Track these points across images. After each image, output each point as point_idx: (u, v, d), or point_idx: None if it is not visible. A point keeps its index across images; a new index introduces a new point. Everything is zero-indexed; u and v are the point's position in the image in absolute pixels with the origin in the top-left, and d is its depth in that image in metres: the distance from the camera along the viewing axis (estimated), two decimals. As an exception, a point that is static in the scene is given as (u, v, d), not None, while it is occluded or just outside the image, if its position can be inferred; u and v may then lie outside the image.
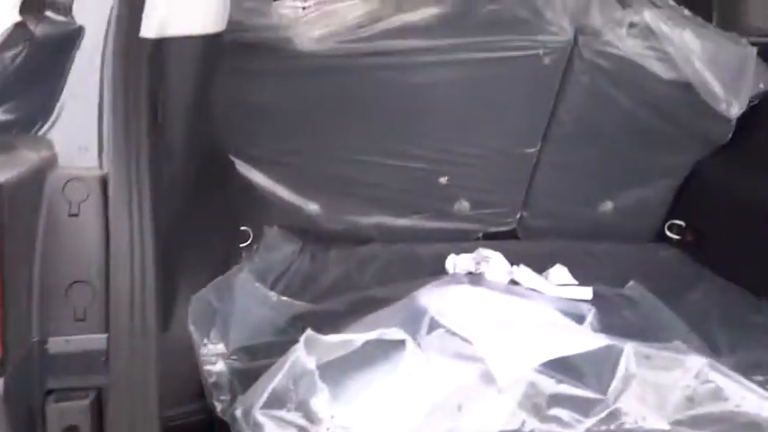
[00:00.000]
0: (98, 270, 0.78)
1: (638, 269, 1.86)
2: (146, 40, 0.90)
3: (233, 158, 1.78)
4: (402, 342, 1.06)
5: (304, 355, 1.02)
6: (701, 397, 1.14)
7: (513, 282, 1.67)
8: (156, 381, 0.83)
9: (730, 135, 1.94)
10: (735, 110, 1.74)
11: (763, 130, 1.90)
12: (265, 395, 0.97)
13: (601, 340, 1.21)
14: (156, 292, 0.84)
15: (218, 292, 1.24)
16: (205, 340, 1.12)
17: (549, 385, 1.12)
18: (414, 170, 1.90)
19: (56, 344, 0.78)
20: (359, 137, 1.83)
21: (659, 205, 2.08)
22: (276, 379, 0.99)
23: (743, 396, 1.12)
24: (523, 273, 1.66)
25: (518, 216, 2.07)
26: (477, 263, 1.76)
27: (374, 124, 1.81)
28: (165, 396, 1.12)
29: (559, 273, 1.75)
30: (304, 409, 0.96)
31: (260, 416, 0.93)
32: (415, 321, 1.12)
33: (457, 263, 1.77)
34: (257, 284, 1.50)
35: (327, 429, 0.95)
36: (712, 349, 1.43)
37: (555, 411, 1.09)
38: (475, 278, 1.60)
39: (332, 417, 0.97)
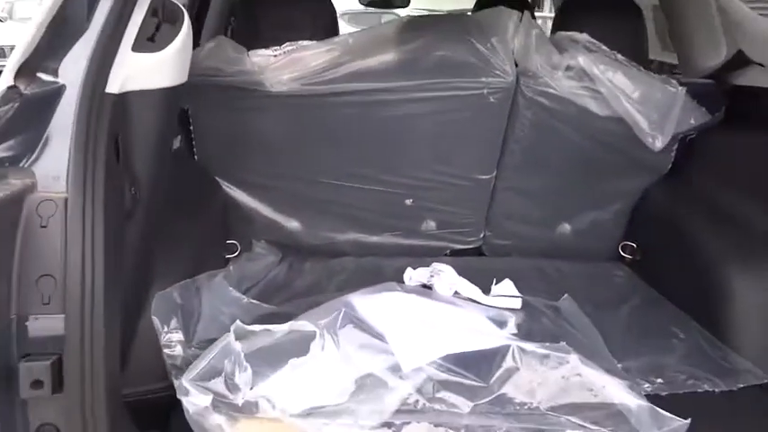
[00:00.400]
0: (60, 267, 1.07)
1: (586, 285, 2.07)
2: (110, 94, 1.20)
3: (221, 180, 2.08)
4: (314, 332, 1.31)
5: (233, 341, 1.28)
6: (571, 388, 1.34)
7: (456, 293, 1.89)
8: (103, 349, 1.10)
9: (670, 165, 2.12)
10: (659, 143, 1.93)
11: (698, 161, 2.08)
12: (196, 370, 1.23)
13: (496, 341, 1.43)
14: (105, 285, 1.12)
15: (185, 291, 1.51)
16: (165, 328, 1.39)
17: (441, 374, 1.34)
18: (381, 193, 2.16)
19: (29, 320, 1.07)
20: (331, 163, 2.10)
21: (613, 227, 2.27)
22: (208, 358, 1.26)
23: (604, 386, 1.32)
24: (463, 285, 1.88)
25: (482, 235, 2.29)
26: (431, 275, 1.99)
27: (344, 152, 2.09)
28: (137, 375, 1.41)
29: (504, 286, 1.96)
30: (229, 381, 1.22)
31: (187, 384, 1.19)
32: (335, 317, 1.36)
33: (413, 275, 1.99)
34: (230, 288, 1.77)
35: (242, 397, 1.20)
36: (619, 353, 1.63)
37: (442, 394, 1.31)
38: (417, 288, 1.83)
39: (250, 388, 1.22)
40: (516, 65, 1.98)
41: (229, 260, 2.07)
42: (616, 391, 1.31)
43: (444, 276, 1.96)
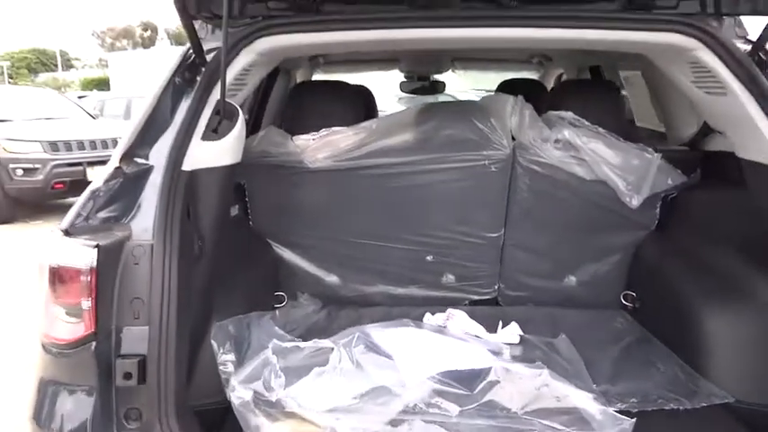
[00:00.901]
0: (147, 292, 1.50)
1: (588, 330, 2.35)
2: (185, 171, 1.66)
3: (271, 242, 2.53)
4: (332, 349, 1.68)
5: (270, 354, 1.66)
6: (541, 396, 1.64)
7: (466, 333, 2.22)
8: (174, 353, 1.50)
9: (656, 221, 2.42)
10: (635, 202, 2.25)
11: (679, 217, 2.37)
12: (242, 374, 1.62)
13: (485, 362, 1.75)
14: (178, 308, 1.53)
15: (238, 325, 1.91)
16: (221, 350, 1.78)
17: (436, 385, 1.67)
18: (406, 251, 2.54)
19: (124, 330, 1.50)
20: (362, 226, 2.51)
21: (614, 278, 2.55)
22: (251, 366, 1.64)
23: (567, 395, 1.61)
24: (472, 325, 2.21)
25: (497, 287, 2.62)
26: (447, 319, 2.33)
27: (372, 217, 2.50)
28: (199, 389, 1.80)
29: (510, 328, 2.27)
30: (266, 384, 1.60)
31: (234, 382, 1.57)
32: (350, 338, 1.73)
33: (431, 319, 2.34)
34: (275, 327, 2.16)
35: (276, 396, 1.57)
36: (601, 380, 1.91)
37: (436, 401, 1.64)
38: (430, 326, 2.17)
39: (283, 389, 1.59)
40: (514, 139, 2.37)
41: (277, 309, 2.47)
42: (577, 399, 1.60)
43: (457, 320, 2.29)
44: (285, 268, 2.58)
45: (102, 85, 30.55)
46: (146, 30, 48.29)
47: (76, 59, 52.28)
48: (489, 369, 1.70)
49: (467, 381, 1.69)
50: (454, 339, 2.00)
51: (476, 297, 2.62)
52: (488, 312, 2.45)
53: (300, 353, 1.72)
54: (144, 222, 1.56)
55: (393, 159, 2.39)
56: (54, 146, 7.63)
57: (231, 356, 1.81)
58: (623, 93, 3.32)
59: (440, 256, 2.55)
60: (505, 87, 3.39)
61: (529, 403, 1.64)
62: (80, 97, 14.54)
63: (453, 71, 4.53)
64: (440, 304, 2.56)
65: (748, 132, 1.79)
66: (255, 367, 1.64)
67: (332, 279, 2.61)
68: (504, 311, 2.59)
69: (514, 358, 1.97)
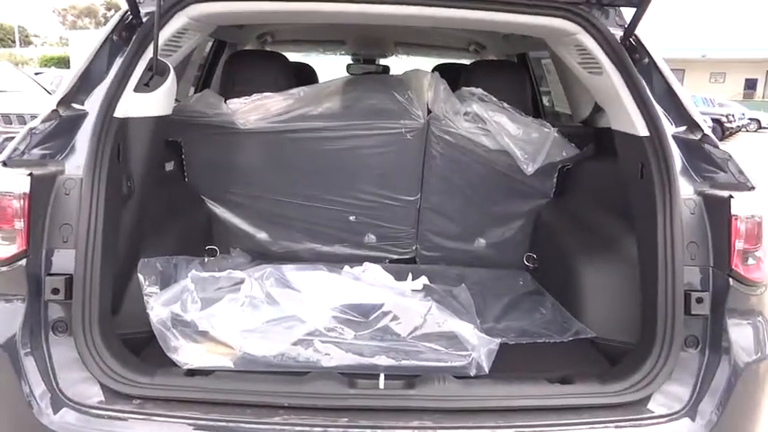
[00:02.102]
0: (75, 219, 1.69)
1: (492, 285, 2.62)
2: (116, 117, 1.86)
3: (205, 198, 2.73)
4: (243, 279, 1.90)
5: (189, 282, 1.88)
6: (426, 323, 1.89)
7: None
8: (99, 275, 1.71)
9: (553, 189, 2.71)
10: (530, 169, 2.54)
11: (572, 186, 2.67)
12: (162, 296, 1.83)
13: (383, 297, 2.00)
14: (104, 236, 1.73)
15: (165, 264, 2.12)
16: (147, 283, 1.99)
17: (337, 314, 1.91)
18: (331, 211, 2.78)
19: (54, 252, 1.70)
20: (291, 186, 2.74)
21: (518, 241, 2.84)
22: (171, 291, 1.86)
23: (445, 320, 1.87)
24: (384, 276, 2.45)
25: (414, 247, 2.88)
26: (363, 271, 2.56)
27: (300, 178, 2.72)
28: (130, 319, 1.99)
29: (419, 279, 2.52)
30: (183, 306, 1.82)
31: (153, 302, 1.79)
32: (262, 272, 1.95)
33: (349, 271, 2.57)
34: (203, 270, 2.37)
35: (191, 317, 1.79)
36: (490, 320, 2.18)
37: (335, 326, 1.88)
38: (344, 273, 2.40)
39: (198, 312, 1.81)
40: (429, 111, 2.63)
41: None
42: (455, 325, 1.86)
43: (372, 271, 2.54)
44: (218, 224, 2.79)
45: (62, 63, 29.91)
46: (109, 9, 47.35)
47: (35, 36, 50.91)
48: (383, 303, 1.94)
49: (364, 312, 1.93)
50: (362, 284, 2.24)
51: (395, 256, 2.87)
52: (405, 269, 2.70)
53: (216, 283, 1.94)
54: (76, 160, 1.76)
55: (319, 124, 2.61)
56: (7, 118, 7.62)
57: (156, 289, 2.01)
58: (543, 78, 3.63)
59: (362, 216, 2.80)
60: (440, 70, 3.65)
61: (415, 330, 1.89)
62: (36, 74, 14.33)
63: (396, 55, 4.78)
64: (362, 262, 2.80)
65: (617, 106, 2.08)
66: (175, 292, 1.86)
67: (262, 236, 2.83)
68: (419, 269, 2.84)
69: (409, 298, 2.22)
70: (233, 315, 1.86)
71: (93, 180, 1.72)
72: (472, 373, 1.79)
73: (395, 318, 1.93)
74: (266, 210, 2.78)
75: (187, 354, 1.78)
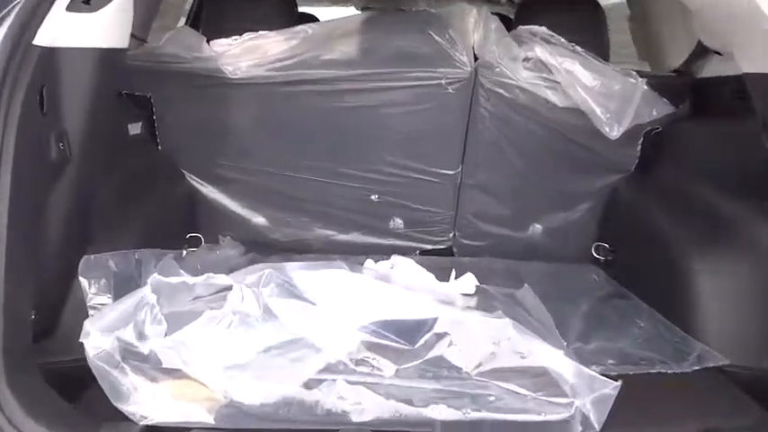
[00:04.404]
0: None
1: (555, 284, 2.01)
2: (36, 46, 1.22)
3: (186, 172, 2.10)
4: (230, 286, 1.28)
5: (149, 292, 1.26)
6: (501, 352, 1.28)
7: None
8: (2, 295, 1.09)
9: (636, 162, 2.08)
10: (615, 132, 1.90)
11: (665, 156, 2.04)
12: (105, 316, 1.21)
13: (430, 310, 1.38)
14: (10, 232, 1.11)
15: (122, 261, 1.50)
16: (94, 290, 1.37)
17: (367, 337, 1.30)
18: (347, 188, 2.16)
19: None
20: (295, 156, 2.11)
21: (585, 228, 2.22)
22: (119, 308, 1.23)
23: (531, 350, 1.26)
24: (421, 274, 1.84)
25: (452, 235, 2.26)
26: (391, 267, 1.95)
27: (307, 145, 2.10)
28: (67, 341, 1.39)
29: (466, 278, 1.91)
30: (138, 330, 1.19)
31: (90, 327, 1.16)
32: (259, 276, 1.33)
33: (372, 266, 1.96)
34: (180, 270, 1.74)
35: (149, 347, 1.17)
36: (573, 339, 1.57)
37: (364, 354, 1.27)
38: (370, 272, 1.79)
39: (162, 338, 1.19)
40: (476, 57, 1.99)
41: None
42: (546, 356, 1.25)
43: (404, 268, 1.92)
44: (203, 205, 2.17)
45: None
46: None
47: None
48: (436, 319, 1.33)
49: (407, 333, 1.32)
50: (396, 288, 1.62)
51: (427, 246, 2.26)
52: (441, 263, 2.09)
53: (189, 292, 1.32)
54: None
55: (331, 72, 1.99)
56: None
57: (107, 298, 1.40)
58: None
59: (387, 195, 2.18)
60: None
61: (485, 361, 1.28)
62: None
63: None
64: (386, 253, 2.18)
65: (759, 37, 1.45)
66: (125, 308, 1.24)
67: (259, 220, 2.21)
68: (459, 263, 2.23)
69: (469, 309, 1.61)
70: (214, 342, 1.24)
71: None
72: (577, 431, 1.18)
73: (453, 342, 1.32)
74: (264, 187, 2.16)
75: (145, 402, 1.16)
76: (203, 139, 2.08)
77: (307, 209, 2.19)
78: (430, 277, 1.83)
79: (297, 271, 1.46)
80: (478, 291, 1.79)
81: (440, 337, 1.31)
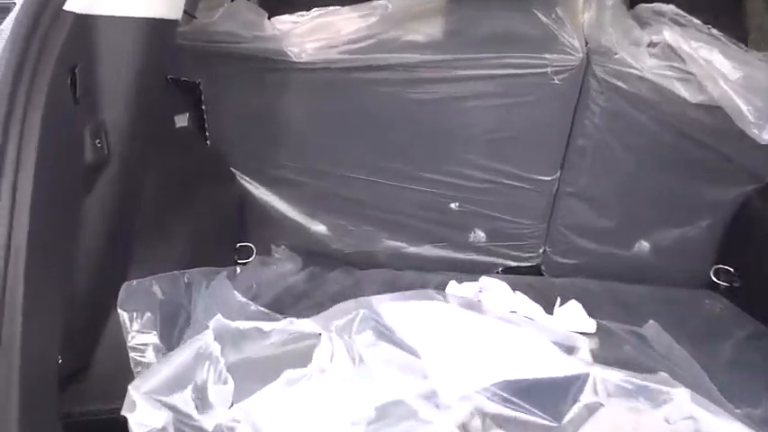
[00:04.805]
0: None
1: (671, 314, 1.66)
2: (69, 12, 0.92)
3: (236, 171, 1.80)
4: (319, 335, 0.97)
5: (211, 340, 0.95)
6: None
7: (511, 312, 1.53)
8: (20, 341, 0.79)
9: None
10: (766, 134, 1.55)
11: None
12: (154, 377, 0.90)
13: (570, 367, 1.06)
14: (36, 260, 0.81)
15: (170, 286, 1.20)
16: (135, 326, 1.07)
17: (494, 406, 0.98)
18: (422, 193, 1.84)
19: None
20: (364, 155, 1.80)
21: (704, 247, 1.87)
22: (173, 363, 0.93)
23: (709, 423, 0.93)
24: (520, 302, 1.52)
25: (542, 251, 1.93)
26: (480, 290, 1.63)
27: (379, 142, 1.78)
28: (103, 387, 1.10)
29: (571, 308, 1.58)
30: (198, 396, 0.89)
31: (137, 395, 0.86)
32: (350, 319, 1.02)
33: (457, 290, 1.65)
34: (234, 291, 1.45)
35: (215, 420, 0.86)
36: (729, 397, 1.22)
37: (492, 433, 0.95)
38: (461, 300, 1.47)
39: (228, 407, 0.89)
40: (587, 42, 1.65)
41: (241, 265, 1.77)
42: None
43: (496, 292, 1.60)
44: (255, 210, 1.87)
45: None
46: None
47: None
48: (584, 379, 1.00)
49: (545, 400, 0.99)
50: (505, 325, 1.30)
51: (511, 263, 1.94)
52: (529, 284, 1.77)
53: (263, 339, 1.00)
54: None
55: (412, 57, 1.66)
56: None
57: (152, 336, 1.10)
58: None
59: (468, 203, 1.85)
60: None
61: (653, 445, 0.95)
62: None
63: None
64: (464, 270, 1.88)
65: None
66: (181, 363, 0.93)
67: (319, 228, 1.90)
68: (549, 283, 1.91)
69: (594, 357, 1.28)
70: (296, 410, 0.93)
71: (5, 138, 0.80)
72: None
73: (608, 416, 0.99)
74: (326, 190, 1.85)
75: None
76: (258, 134, 1.78)
77: (373, 216, 1.88)
78: (535, 308, 1.51)
79: (387, 305, 1.14)
80: (597, 329, 1.46)
81: (592, 409, 0.98)
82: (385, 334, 1.03)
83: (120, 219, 1.13)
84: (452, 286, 1.66)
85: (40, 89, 0.85)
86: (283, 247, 1.90)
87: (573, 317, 1.50)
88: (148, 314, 1.10)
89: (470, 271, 1.87)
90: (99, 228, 1.06)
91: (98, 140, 1.01)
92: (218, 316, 1.00)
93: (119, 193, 1.10)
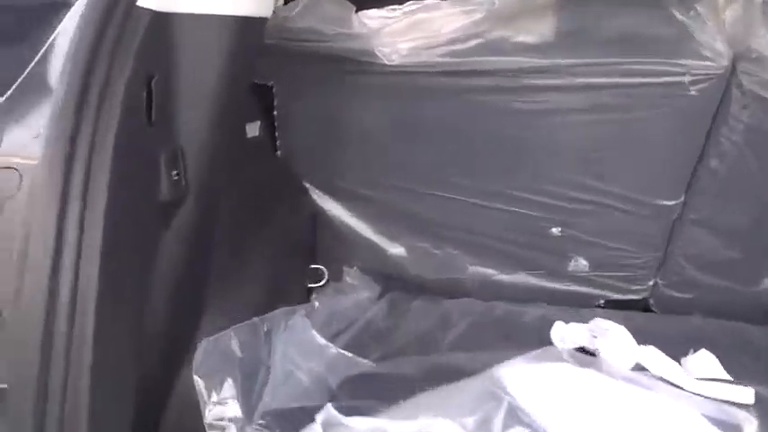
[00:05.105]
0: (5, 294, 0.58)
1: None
2: (144, 9, 0.71)
3: (307, 184, 1.60)
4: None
5: (317, 436, 0.75)
6: None
7: (638, 367, 1.30)
8: (85, 396, 0.60)
9: None
10: None
11: None
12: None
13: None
14: (105, 322, 0.62)
15: (249, 336, 1.01)
16: (214, 396, 0.88)
17: None
18: (519, 216, 1.61)
19: None
20: (453, 172, 1.58)
21: None
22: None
23: None
24: (653, 357, 1.28)
25: (651, 283, 1.69)
26: (593, 336, 1.40)
27: (472, 158, 1.56)
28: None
29: (704, 362, 1.35)
30: None
31: None
32: (489, 410, 0.80)
33: (566, 334, 1.42)
34: (313, 332, 1.27)
35: None
36: None
37: None
38: (584, 357, 1.25)
39: None
40: (731, 45, 1.39)
41: (312, 290, 1.59)
42: None
43: (615, 339, 1.37)
44: (328, 228, 1.66)
45: None
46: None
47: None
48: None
49: None
50: (640, 391, 1.07)
51: (615, 295, 1.70)
52: (635, 323, 1.53)
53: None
54: (39, 116, 0.64)
55: (523, 60, 1.41)
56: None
57: (231, 407, 0.91)
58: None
59: (571, 228, 1.61)
60: None
61: None
62: None
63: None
64: (560, 302, 1.66)
65: None
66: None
67: (397, 250, 1.69)
68: (659, 322, 1.67)
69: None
70: None
71: (67, 175, 0.60)
72: None
73: None
74: (406, 208, 1.63)
75: None
76: (335, 143, 1.57)
77: (459, 239, 1.66)
78: (668, 364, 1.27)
79: (518, 381, 0.92)
80: (756, 398, 1.22)
81: None
82: (529, 425, 0.80)
83: (195, 256, 0.93)
84: (558, 328, 1.44)
85: (111, 107, 0.65)
86: (356, 268, 1.70)
87: (716, 378, 1.25)
88: (228, 381, 0.90)
89: (568, 303, 1.67)
90: (172, 271, 0.86)
91: (175, 172, 0.80)
92: (329, 408, 0.80)
93: (195, 228, 0.90)
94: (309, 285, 1.63)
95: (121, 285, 0.71)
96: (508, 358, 1.14)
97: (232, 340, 0.97)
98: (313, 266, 1.65)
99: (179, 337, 0.91)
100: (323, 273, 1.65)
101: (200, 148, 0.84)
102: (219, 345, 0.94)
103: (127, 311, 0.72)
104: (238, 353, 0.96)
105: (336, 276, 1.69)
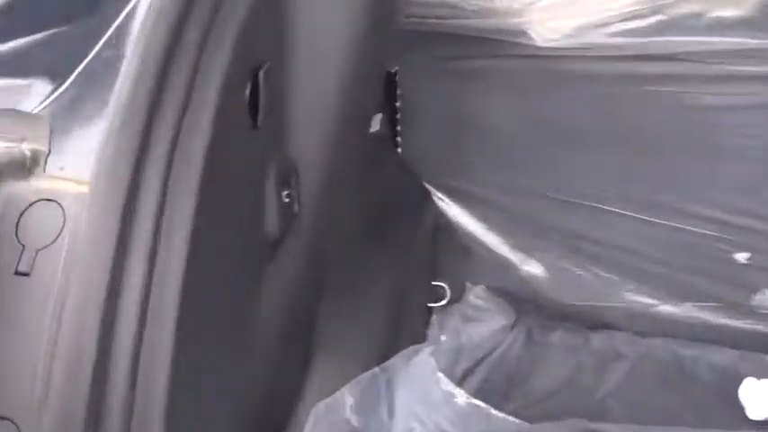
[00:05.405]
0: (44, 356, 0.40)
1: None
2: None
3: (429, 187, 1.39)
4: None
5: None
6: None
7: None
8: None
9: None
10: None
11: None
12: None
13: None
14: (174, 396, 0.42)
15: (367, 392, 0.80)
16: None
17: None
18: (691, 236, 1.32)
19: None
20: (608, 180, 1.33)
21: None
22: None
23: None
24: None
25: None
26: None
27: (634, 164, 1.29)
28: None
29: None
30: None
31: None
32: None
33: (759, 393, 1.12)
34: (439, 374, 1.06)
35: None
36: None
37: None
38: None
39: None
40: None
41: (432, 311, 1.38)
42: None
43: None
44: (451, 239, 1.44)
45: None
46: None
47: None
48: None
49: None
50: None
51: (809, 338, 1.36)
52: None
53: None
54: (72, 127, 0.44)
55: (713, 42, 1.13)
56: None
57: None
58: None
59: (760, 253, 1.29)
60: None
61: None
62: None
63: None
64: (738, 344, 1.36)
65: None
66: None
67: (533, 269, 1.44)
68: None
69: None
70: None
71: (133, 201, 0.39)
72: None
73: None
74: (547, 220, 1.39)
75: None
76: (467, 141, 1.35)
77: (614, 260, 1.39)
78: None
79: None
80: None
81: None
82: None
83: (304, 298, 0.73)
84: (748, 385, 1.14)
85: (201, 106, 0.44)
86: (481, 287, 1.47)
87: None
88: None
89: (747, 346, 1.36)
90: (273, 325, 0.66)
91: (286, 192, 0.59)
92: None
93: (307, 263, 0.69)
94: (429, 305, 1.42)
95: (208, 350, 0.52)
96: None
97: (346, 401, 0.76)
98: (433, 283, 1.43)
99: (282, 400, 0.72)
100: (444, 291, 1.43)
101: (319, 161, 0.62)
102: (332, 410, 0.73)
103: (211, 393, 0.53)
104: (354, 421, 0.76)
105: (458, 292, 1.46)
